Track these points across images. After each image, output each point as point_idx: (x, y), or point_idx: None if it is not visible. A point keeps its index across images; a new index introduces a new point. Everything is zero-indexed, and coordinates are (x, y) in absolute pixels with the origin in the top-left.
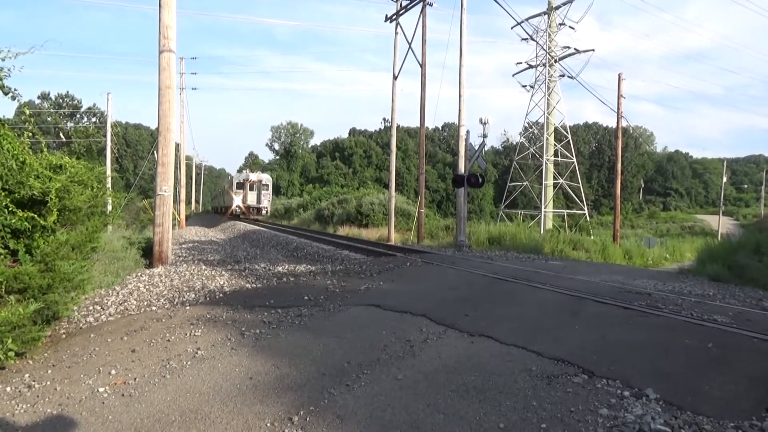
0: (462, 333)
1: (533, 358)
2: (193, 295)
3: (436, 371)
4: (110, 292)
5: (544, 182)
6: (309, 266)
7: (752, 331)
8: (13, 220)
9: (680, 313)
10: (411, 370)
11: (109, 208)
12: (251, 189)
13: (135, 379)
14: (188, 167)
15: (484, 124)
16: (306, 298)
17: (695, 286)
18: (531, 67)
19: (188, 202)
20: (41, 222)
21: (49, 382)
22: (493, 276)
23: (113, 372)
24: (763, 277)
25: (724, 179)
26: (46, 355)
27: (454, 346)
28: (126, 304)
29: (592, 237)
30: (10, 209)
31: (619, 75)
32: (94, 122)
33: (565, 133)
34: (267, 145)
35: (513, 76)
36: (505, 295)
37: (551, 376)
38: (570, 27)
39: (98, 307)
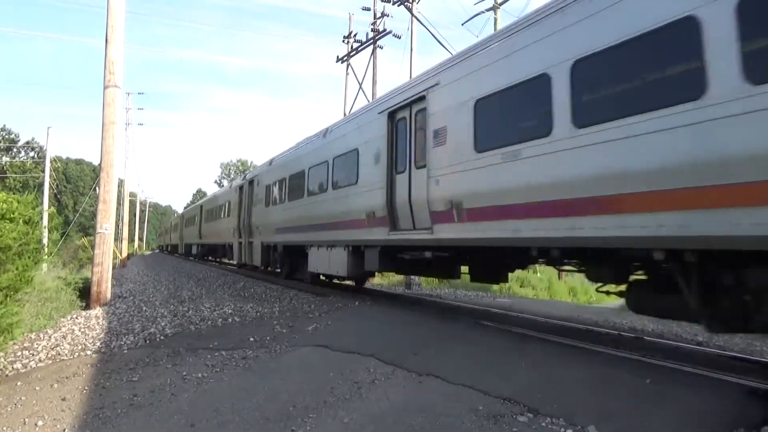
0: (410, 373)
1: (480, 398)
2: (132, 338)
3: (383, 413)
4: (41, 335)
5: None
6: (256, 306)
7: (688, 366)
8: None
9: (620, 349)
10: (358, 412)
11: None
12: None
13: (64, 430)
14: (132, 204)
15: None
16: (252, 339)
17: (635, 322)
18: None
19: (131, 240)
20: None
21: None
22: (442, 315)
23: (40, 423)
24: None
25: None
26: None
27: (402, 387)
28: (58, 348)
29: (538, 274)
30: None
31: None
32: (33, 157)
33: None
34: (216, 182)
35: None
36: (453, 334)
37: (497, 415)
38: None
39: (27, 353)
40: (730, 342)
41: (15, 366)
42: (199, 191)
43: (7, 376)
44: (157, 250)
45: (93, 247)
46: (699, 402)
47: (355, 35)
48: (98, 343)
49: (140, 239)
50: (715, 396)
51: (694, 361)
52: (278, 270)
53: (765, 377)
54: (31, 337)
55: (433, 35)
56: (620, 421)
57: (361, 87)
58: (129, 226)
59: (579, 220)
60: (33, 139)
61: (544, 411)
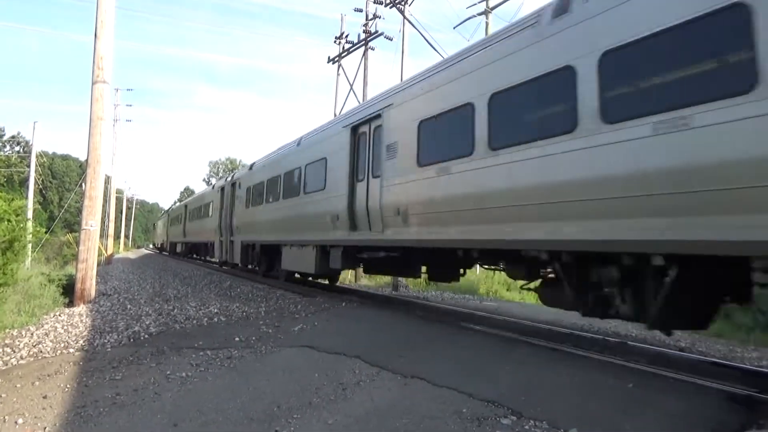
0: (395, 375)
1: (465, 400)
2: (116, 336)
3: (367, 415)
4: (23, 332)
5: None
6: (242, 306)
7: (670, 372)
8: None
9: (604, 353)
10: (342, 414)
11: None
12: None
13: (45, 428)
14: (118, 201)
15: None
16: (237, 339)
17: (619, 327)
18: None
19: (117, 237)
20: None
21: None
22: (428, 317)
23: (20, 421)
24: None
25: None
26: None
27: (387, 389)
28: (40, 345)
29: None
30: None
31: None
32: (18, 151)
33: None
34: (204, 180)
35: None
36: (439, 336)
37: (481, 418)
38: None
39: (8, 350)
40: (711, 348)
41: None
42: (186, 189)
43: None
44: (147, 250)
45: (78, 243)
46: (680, 407)
47: (346, 36)
48: (81, 341)
49: (126, 236)
50: (696, 401)
51: (677, 366)
52: None
53: (744, 383)
54: (12, 334)
55: (424, 38)
56: (602, 425)
57: (352, 88)
58: (115, 222)
59: None
60: (19, 134)
61: (528, 414)
